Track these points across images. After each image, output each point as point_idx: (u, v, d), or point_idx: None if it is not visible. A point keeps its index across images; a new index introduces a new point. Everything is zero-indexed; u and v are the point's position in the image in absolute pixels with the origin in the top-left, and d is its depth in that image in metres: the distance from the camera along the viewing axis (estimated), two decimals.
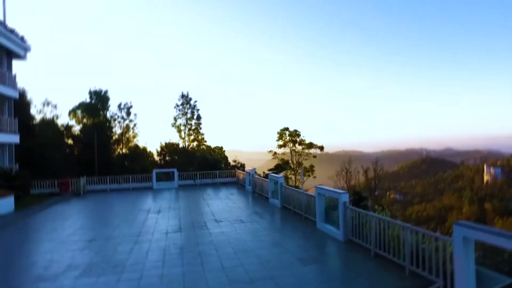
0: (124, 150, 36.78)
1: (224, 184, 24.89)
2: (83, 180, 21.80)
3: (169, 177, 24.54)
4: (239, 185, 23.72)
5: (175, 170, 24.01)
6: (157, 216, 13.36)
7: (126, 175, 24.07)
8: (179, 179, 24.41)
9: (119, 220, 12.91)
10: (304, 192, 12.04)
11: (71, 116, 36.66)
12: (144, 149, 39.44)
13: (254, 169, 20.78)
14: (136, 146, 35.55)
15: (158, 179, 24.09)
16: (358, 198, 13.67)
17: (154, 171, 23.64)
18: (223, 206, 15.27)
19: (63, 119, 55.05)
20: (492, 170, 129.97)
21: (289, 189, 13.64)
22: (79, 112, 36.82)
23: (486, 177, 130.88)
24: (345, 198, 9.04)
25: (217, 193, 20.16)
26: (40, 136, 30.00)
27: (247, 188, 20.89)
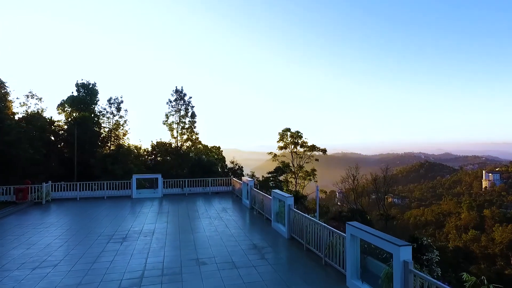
0: (112, 148, 33.30)
1: (218, 194, 21.21)
2: (45, 186, 18.06)
3: (152, 184, 20.85)
4: (234, 196, 20.06)
5: (159, 176, 20.24)
6: (119, 249, 9.68)
7: (100, 181, 20.35)
8: (164, 187, 20.70)
9: (63, 253, 9.25)
10: (326, 226, 8.38)
11: (60, 111, 33.50)
12: (136, 148, 36.12)
13: (253, 179, 17.18)
14: (120, 146, 31.78)
15: (139, 186, 20.41)
16: (417, 247, 9.86)
17: (134, 177, 19.84)
18: (211, 232, 11.61)
19: (51, 114, 51.61)
20: (490, 176, 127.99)
21: (300, 214, 9.99)
22: (67, 106, 33.74)
23: (484, 183, 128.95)
24: (407, 254, 5.41)
25: (207, 208, 16.49)
26: (13, 132, 26.24)
27: (244, 202, 17.25)
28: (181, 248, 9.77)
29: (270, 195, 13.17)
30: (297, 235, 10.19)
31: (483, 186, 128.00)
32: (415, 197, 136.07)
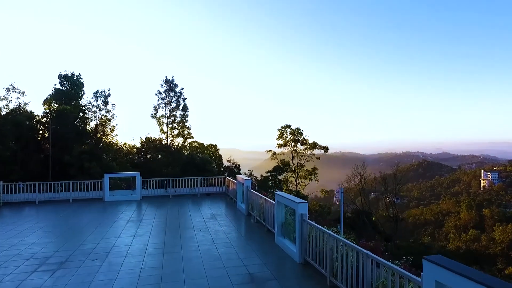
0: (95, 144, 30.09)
1: (208, 195, 17.87)
2: None
3: (130, 184, 17.50)
4: (228, 198, 16.72)
5: (137, 174, 16.80)
6: (43, 284, 6.33)
7: (65, 182, 16.96)
8: (145, 188, 17.31)
9: None
10: (370, 254, 5.07)
11: (46, 106, 30.40)
12: (128, 145, 33.10)
13: (250, 178, 13.89)
14: (99, 140, 28.47)
15: (114, 187, 17.03)
16: None
17: (106, 176, 16.37)
18: (191, 252, 8.27)
19: (38, 109, 48.49)
20: (489, 175, 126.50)
21: (319, 229, 6.67)
22: (53, 101, 30.72)
23: (483, 182, 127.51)
24: None
25: (194, 214, 13.14)
26: None
27: (239, 206, 13.93)
28: (140, 282, 6.41)
29: (271, 197, 9.90)
30: (314, 260, 6.87)
31: (482, 185, 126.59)
32: (413, 196, 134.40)
